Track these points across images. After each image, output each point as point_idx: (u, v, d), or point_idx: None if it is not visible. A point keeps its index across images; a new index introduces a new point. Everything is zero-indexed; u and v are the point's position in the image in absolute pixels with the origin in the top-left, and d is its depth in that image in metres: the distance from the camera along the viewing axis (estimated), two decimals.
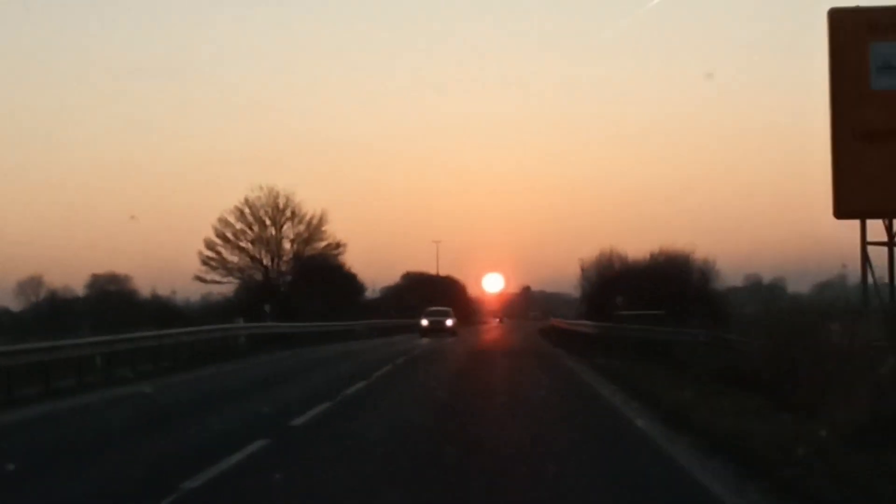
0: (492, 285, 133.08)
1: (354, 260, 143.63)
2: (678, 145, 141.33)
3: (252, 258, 62.00)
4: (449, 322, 56.25)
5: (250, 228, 61.87)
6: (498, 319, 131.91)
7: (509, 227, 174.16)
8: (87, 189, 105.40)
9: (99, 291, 76.55)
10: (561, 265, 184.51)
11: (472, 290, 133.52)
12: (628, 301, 48.63)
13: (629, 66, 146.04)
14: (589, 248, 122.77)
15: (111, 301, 69.17)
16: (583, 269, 76.06)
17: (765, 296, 55.78)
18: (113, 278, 79.29)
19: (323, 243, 64.79)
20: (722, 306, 42.75)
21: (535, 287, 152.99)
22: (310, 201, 67.12)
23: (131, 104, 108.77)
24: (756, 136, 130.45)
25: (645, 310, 40.21)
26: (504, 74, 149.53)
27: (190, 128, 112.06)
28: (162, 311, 62.30)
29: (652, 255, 56.28)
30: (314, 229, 63.67)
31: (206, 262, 61.06)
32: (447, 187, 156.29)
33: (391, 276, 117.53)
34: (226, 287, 63.63)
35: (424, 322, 55.76)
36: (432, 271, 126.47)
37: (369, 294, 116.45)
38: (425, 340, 47.29)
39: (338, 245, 65.11)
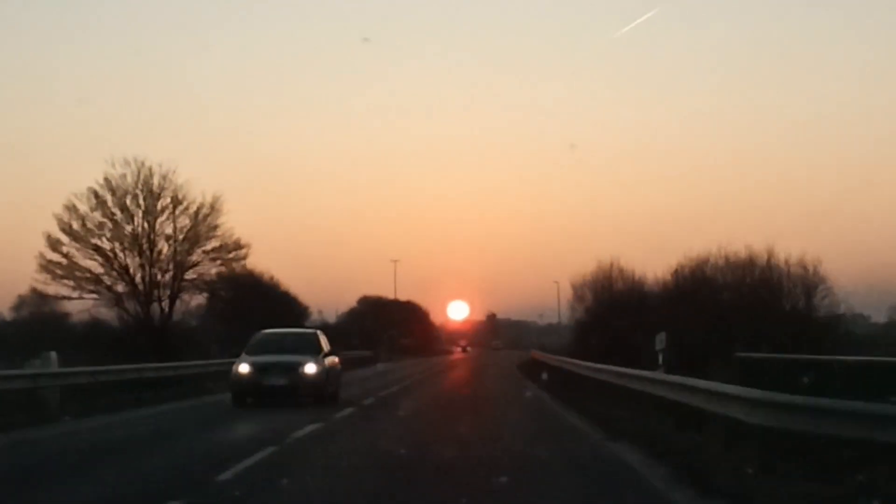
0: (457, 312, 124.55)
1: (312, 286, 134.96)
2: (648, 172, 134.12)
3: (111, 262, 41.40)
4: (310, 368, 22.52)
5: (111, 220, 41.32)
6: (461, 348, 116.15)
7: (475, 254, 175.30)
8: None
9: (28, 315, 64.20)
10: (527, 292, 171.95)
11: (437, 318, 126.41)
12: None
13: (598, 89, 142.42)
14: (560, 274, 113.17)
15: (36, 325, 56.91)
16: (575, 290, 56.64)
17: None
18: (43, 299, 63.17)
19: (215, 243, 44.12)
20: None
21: (500, 315, 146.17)
22: (199, 184, 47.25)
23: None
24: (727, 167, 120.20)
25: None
26: (470, 99, 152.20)
27: None
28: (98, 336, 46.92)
29: (698, 262, 36.50)
30: (203, 223, 43.15)
31: (46, 267, 40.49)
32: (413, 213, 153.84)
33: (351, 302, 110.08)
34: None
35: (244, 368, 22.66)
36: (399, 296, 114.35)
37: (326, 320, 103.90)
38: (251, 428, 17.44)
39: (238, 246, 44.52)
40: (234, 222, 48.35)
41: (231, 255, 44.65)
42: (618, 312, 50.27)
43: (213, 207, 43.15)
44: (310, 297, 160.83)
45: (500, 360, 75.38)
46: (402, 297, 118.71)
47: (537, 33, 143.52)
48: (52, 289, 42.23)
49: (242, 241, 44.65)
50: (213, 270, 44.32)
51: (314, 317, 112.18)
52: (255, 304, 74.42)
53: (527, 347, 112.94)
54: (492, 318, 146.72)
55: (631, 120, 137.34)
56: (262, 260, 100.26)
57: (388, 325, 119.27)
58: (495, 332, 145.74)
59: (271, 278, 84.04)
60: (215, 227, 43.64)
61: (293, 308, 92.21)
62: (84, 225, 41.22)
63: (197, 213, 42.83)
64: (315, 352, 23.07)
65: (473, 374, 46.58)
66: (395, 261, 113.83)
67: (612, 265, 55.05)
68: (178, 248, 42.71)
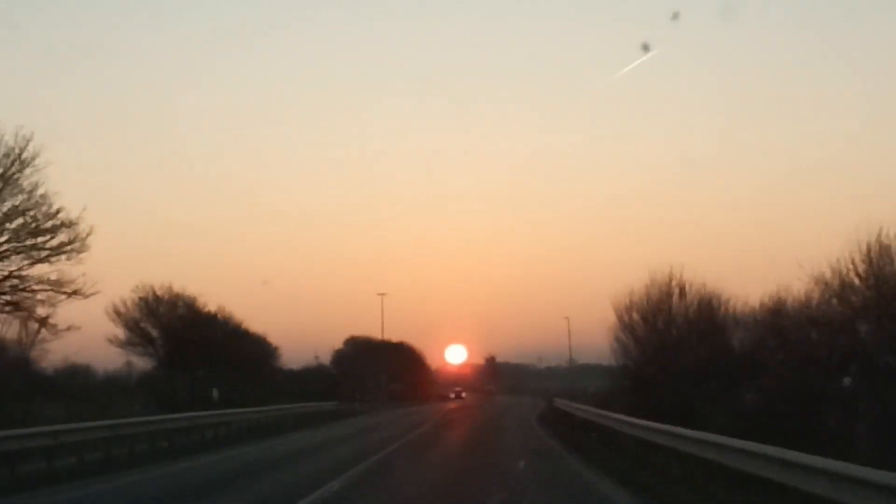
0: (455, 356, 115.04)
1: (308, 329, 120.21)
2: (645, 218, 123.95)
3: None
4: None
5: None
6: (455, 395, 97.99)
7: (475, 298, 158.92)
8: None
9: None
10: (528, 335, 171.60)
11: (435, 362, 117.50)
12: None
13: (601, 135, 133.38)
14: (567, 312, 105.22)
15: None
16: (619, 314, 38.43)
17: None
18: None
19: (20, 220, 24.95)
20: None
21: (500, 358, 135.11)
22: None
23: None
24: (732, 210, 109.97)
25: None
26: (471, 147, 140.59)
27: None
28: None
29: None
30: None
31: None
32: (412, 256, 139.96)
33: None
34: None
35: None
36: (392, 337, 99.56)
37: (322, 363, 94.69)
38: None
39: (63, 223, 25.37)
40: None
41: (55, 242, 25.28)
42: (684, 349, 32.45)
43: (20, 160, 24.25)
44: (305, 340, 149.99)
45: (507, 412, 56.81)
46: (398, 339, 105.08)
47: (538, 76, 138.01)
48: None
49: (72, 218, 25.19)
50: (34, 271, 25.40)
51: (306, 360, 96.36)
52: (192, 341, 56.39)
53: (534, 392, 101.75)
54: (491, 361, 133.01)
55: (629, 160, 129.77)
56: (252, 312, 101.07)
57: (375, 369, 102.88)
58: (495, 375, 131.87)
59: (225, 314, 66.38)
60: (38, 196, 24.41)
61: (255, 347, 74.21)
62: None
63: None
64: None
65: (480, 445, 28.03)
66: (383, 294, 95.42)
67: (671, 279, 36.76)
68: None
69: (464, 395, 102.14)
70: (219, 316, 62.46)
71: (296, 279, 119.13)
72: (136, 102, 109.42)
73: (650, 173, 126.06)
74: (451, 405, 77.96)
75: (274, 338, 76.78)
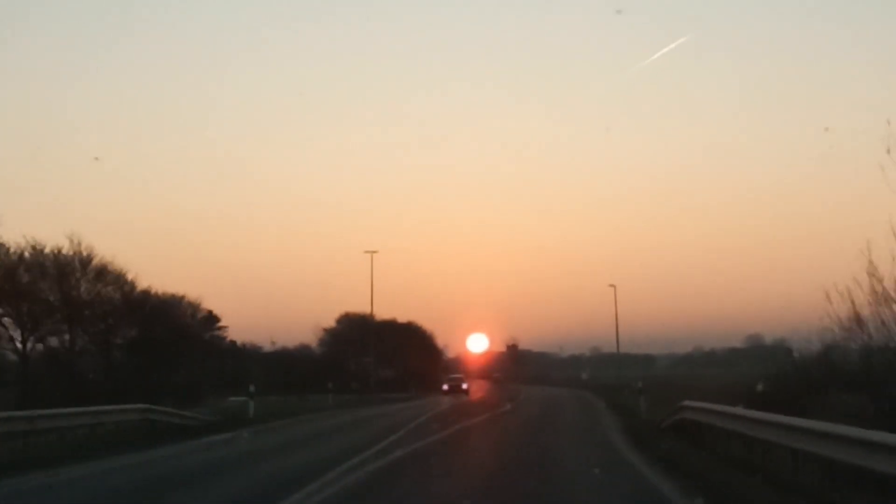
0: (476, 344, 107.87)
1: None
2: (665, 207, 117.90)
3: None
4: None
5: None
6: (448, 387, 69.09)
7: (495, 284, 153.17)
8: None
9: None
10: (548, 324, 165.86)
11: (456, 350, 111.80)
12: None
13: (622, 123, 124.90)
14: (579, 308, 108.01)
15: None
16: None
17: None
18: None
19: None
20: None
21: (521, 346, 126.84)
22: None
23: None
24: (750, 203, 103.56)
25: None
26: (494, 133, 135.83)
27: None
28: None
29: None
30: None
31: None
32: (437, 246, 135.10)
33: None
34: None
35: None
36: (412, 319, 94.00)
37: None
38: None
39: None
40: None
41: None
42: None
43: None
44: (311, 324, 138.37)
45: (551, 433, 30.01)
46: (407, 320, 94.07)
47: (562, 63, 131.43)
48: None
49: None
50: None
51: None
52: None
53: (562, 383, 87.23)
54: (513, 349, 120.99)
55: (650, 148, 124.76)
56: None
57: (363, 351, 79.86)
58: (517, 364, 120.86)
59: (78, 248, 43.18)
60: None
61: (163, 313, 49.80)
62: None
63: None
64: None
65: None
66: (373, 252, 71.50)
67: None
68: None
69: (465, 386, 69.92)
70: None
71: (308, 263, 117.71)
72: (155, 90, 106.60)
73: (678, 160, 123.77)
74: (443, 405, 47.57)
75: (276, 323, 58.87)
